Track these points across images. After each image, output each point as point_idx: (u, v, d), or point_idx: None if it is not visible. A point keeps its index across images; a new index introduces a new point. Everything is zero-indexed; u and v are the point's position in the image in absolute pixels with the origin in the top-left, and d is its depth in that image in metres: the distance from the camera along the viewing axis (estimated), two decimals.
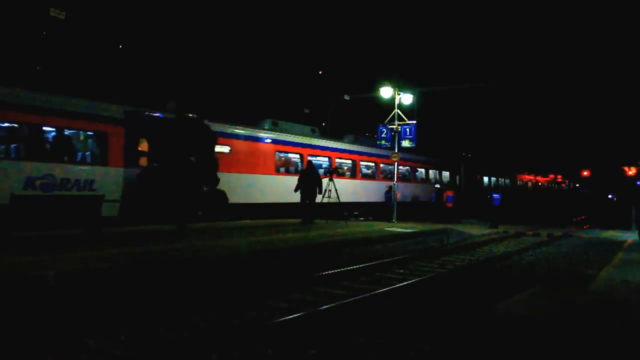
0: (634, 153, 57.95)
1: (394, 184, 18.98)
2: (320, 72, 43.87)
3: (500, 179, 39.16)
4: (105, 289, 6.09)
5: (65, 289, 5.75)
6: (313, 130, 20.43)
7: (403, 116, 18.99)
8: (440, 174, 29.22)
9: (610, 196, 61.34)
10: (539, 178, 50.65)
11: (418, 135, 18.90)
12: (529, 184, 47.20)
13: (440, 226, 16.50)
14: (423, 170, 27.57)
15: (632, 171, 59.55)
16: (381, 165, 23.28)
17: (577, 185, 67.49)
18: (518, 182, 44.09)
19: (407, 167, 25.78)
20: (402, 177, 24.64)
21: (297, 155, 18.99)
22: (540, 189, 50.06)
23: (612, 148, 66.81)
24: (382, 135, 19.18)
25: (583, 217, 33.78)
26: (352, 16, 60.32)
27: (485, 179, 36.01)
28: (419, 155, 26.58)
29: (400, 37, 67.63)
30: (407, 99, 19.13)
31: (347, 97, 30.50)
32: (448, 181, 29.72)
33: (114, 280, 6.30)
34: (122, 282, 6.34)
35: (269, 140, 17.40)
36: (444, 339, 5.06)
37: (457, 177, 30.77)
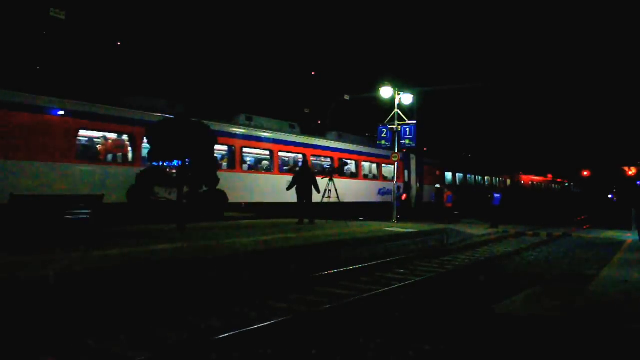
0: (634, 153, 57.96)
1: (394, 184, 18.97)
2: (312, 73, 43.68)
3: (469, 175, 33.59)
4: (104, 289, 6.09)
5: (65, 289, 5.75)
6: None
7: (403, 116, 19.01)
8: (379, 168, 23.25)
9: (610, 196, 61.22)
10: (523, 177, 45.92)
11: (418, 135, 18.93)
12: (507, 182, 41.69)
13: (440, 226, 16.50)
14: (353, 162, 21.65)
15: (632, 171, 59.56)
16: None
17: (568, 184, 64.45)
18: (494, 180, 38.41)
19: (329, 159, 20.45)
20: (322, 171, 19.05)
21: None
22: (523, 188, 44.85)
23: (612, 148, 66.82)
24: (382, 135, 19.18)
25: (583, 217, 33.77)
26: (353, 16, 60.35)
27: (449, 175, 30.59)
28: (346, 141, 21.04)
29: (400, 37, 67.68)
30: (407, 99, 19.15)
31: (347, 97, 30.50)
32: (393, 176, 22.71)
33: (114, 281, 6.29)
34: (121, 282, 6.34)
35: (62, 113, 11.90)
36: (444, 339, 5.06)
37: (406, 171, 25.20)
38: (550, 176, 56.36)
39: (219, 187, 11.43)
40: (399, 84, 19.60)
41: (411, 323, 5.65)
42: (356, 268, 8.72)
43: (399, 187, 19.40)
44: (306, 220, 14.67)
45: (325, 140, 20.56)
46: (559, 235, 17.51)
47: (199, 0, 40.99)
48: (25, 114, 11.21)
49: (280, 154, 18.00)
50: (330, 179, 15.37)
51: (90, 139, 13.10)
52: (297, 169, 15.50)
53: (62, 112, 12.00)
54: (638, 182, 53.80)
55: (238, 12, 45.86)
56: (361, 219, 20.36)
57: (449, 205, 21.41)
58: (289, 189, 14.44)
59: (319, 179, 14.77)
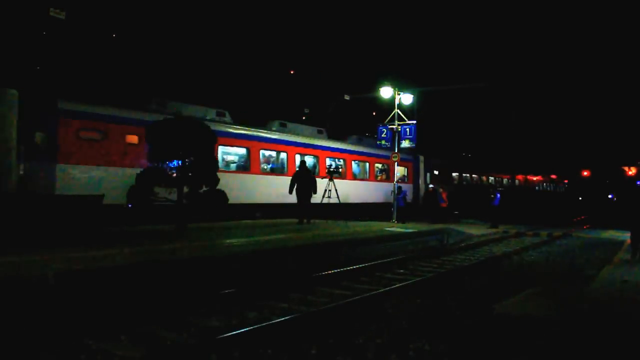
0: (634, 153, 57.92)
1: (394, 184, 18.95)
2: (292, 72, 43.51)
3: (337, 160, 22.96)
4: (104, 289, 6.09)
5: (64, 289, 5.75)
6: None
7: (403, 116, 19.00)
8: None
9: (610, 196, 61.06)
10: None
11: (418, 135, 18.91)
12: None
13: (440, 226, 16.50)
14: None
15: (632, 171, 59.53)
16: None
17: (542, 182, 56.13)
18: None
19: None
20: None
21: None
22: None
23: (612, 148, 66.69)
24: (382, 135, 19.17)
25: (583, 217, 33.80)
26: (353, 16, 60.38)
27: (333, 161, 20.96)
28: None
29: (400, 37, 67.70)
30: (407, 99, 19.14)
31: (347, 97, 30.49)
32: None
33: (113, 281, 6.29)
34: (121, 283, 6.34)
35: None
36: (444, 339, 5.06)
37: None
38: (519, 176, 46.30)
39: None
40: (399, 84, 19.61)
41: (411, 323, 5.65)
42: (356, 268, 8.72)
43: (399, 187, 19.31)
44: (305, 220, 14.69)
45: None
46: (559, 235, 17.50)
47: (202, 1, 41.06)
48: None
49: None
50: (330, 179, 15.38)
51: None
52: (297, 170, 15.38)
53: None
54: (638, 182, 53.73)
55: (239, 12, 45.86)
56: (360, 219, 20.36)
57: (444, 205, 21.36)
58: (290, 191, 14.41)
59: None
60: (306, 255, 9.39)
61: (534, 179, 47.68)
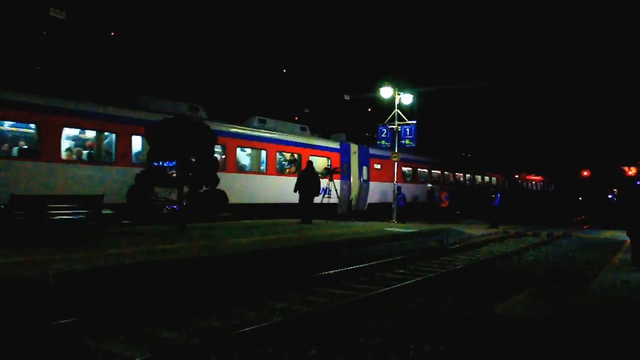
0: (634, 153, 57.86)
1: (394, 184, 18.95)
2: (285, 71, 43.30)
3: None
4: (103, 289, 6.09)
5: (64, 289, 5.75)
6: None
7: (403, 116, 19.01)
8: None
9: (610, 196, 60.96)
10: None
11: (418, 135, 18.92)
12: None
13: (440, 226, 16.50)
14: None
15: (632, 171, 59.52)
16: None
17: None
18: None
19: None
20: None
21: None
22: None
23: (612, 148, 66.57)
24: (382, 135, 19.18)
25: (583, 217, 33.79)
26: (353, 16, 60.37)
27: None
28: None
29: (400, 37, 67.72)
30: (407, 99, 19.16)
31: (347, 97, 30.47)
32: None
33: (113, 281, 6.29)
34: (120, 283, 6.34)
35: None
36: (444, 338, 5.06)
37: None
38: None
39: None
40: (399, 84, 19.62)
41: (411, 323, 5.65)
42: (356, 268, 8.73)
43: (399, 187, 19.31)
44: (306, 220, 14.69)
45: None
46: (559, 235, 17.51)
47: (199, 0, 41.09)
48: None
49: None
50: (330, 179, 15.38)
51: None
52: (301, 170, 15.21)
53: None
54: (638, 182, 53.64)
55: (239, 12, 45.89)
56: (359, 218, 20.36)
57: (444, 205, 21.37)
58: (295, 190, 14.38)
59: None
60: (306, 255, 9.38)
61: (517, 176, 45.02)
